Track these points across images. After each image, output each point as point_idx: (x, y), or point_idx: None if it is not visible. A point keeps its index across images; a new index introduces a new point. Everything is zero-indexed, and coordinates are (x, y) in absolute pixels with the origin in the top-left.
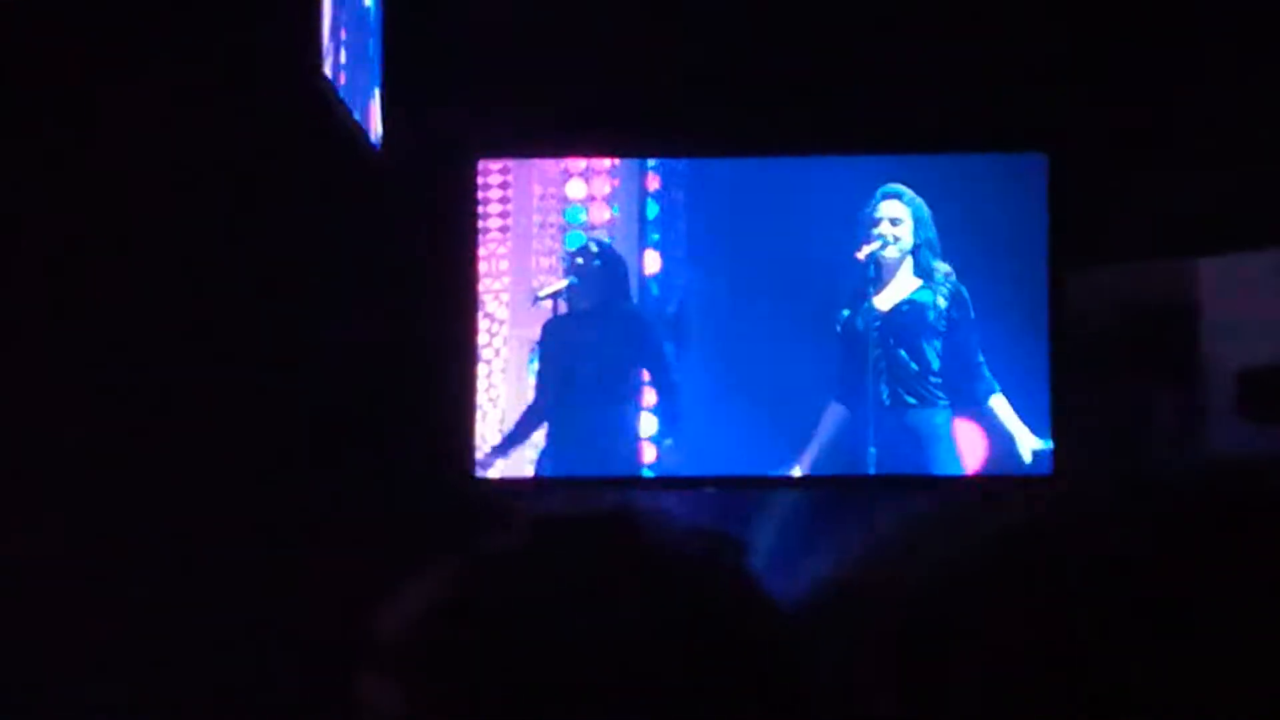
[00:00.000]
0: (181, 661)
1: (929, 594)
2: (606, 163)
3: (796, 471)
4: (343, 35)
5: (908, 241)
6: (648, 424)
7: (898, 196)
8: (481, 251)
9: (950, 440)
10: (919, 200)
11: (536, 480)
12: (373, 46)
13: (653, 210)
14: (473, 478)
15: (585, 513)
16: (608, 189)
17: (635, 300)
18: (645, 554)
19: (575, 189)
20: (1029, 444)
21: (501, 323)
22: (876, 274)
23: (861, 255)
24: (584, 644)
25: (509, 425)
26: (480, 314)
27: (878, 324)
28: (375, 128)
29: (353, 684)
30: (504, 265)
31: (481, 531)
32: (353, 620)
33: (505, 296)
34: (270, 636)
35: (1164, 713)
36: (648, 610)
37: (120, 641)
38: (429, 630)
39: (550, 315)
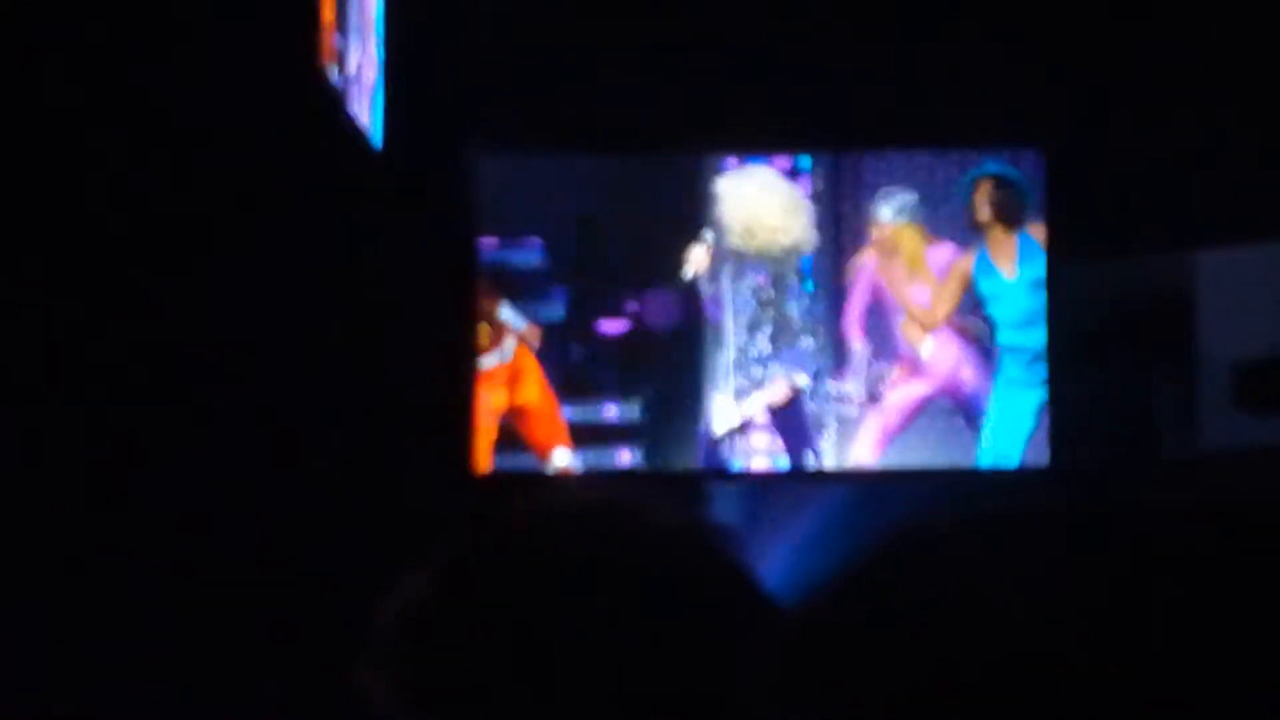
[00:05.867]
0: (182, 659)
1: (923, 590)
2: None
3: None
4: (345, 35)
5: None
6: None
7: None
8: None
9: None
10: None
11: (534, 475)
12: (375, 46)
13: None
14: (473, 474)
15: (575, 505)
16: None
17: None
18: (635, 544)
19: None
20: None
21: None
22: None
23: None
24: (574, 633)
25: None
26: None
27: None
28: (376, 128)
29: (351, 677)
30: None
31: (474, 526)
32: (352, 615)
33: None
34: (273, 633)
35: (1162, 710)
36: (637, 599)
37: (120, 640)
38: (420, 624)
39: None
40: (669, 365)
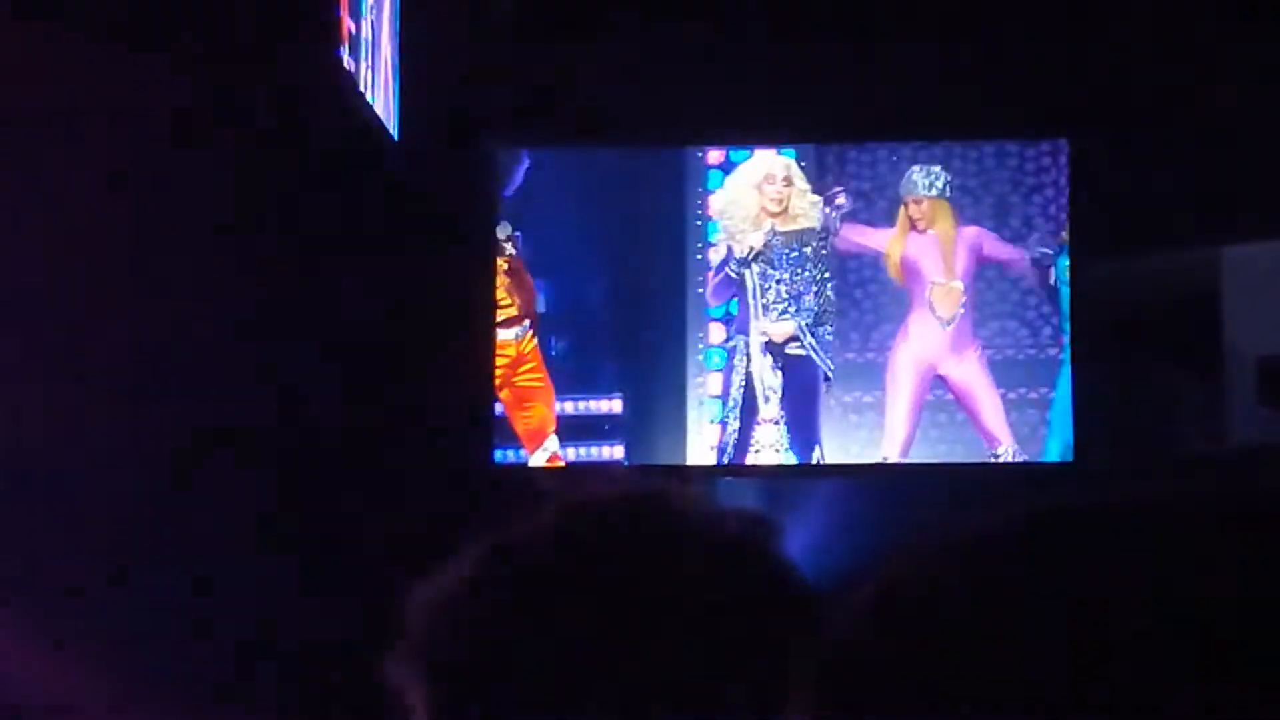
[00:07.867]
0: (209, 655)
1: (948, 583)
2: None
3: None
4: (363, 26)
5: None
6: None
7: None
8: None
9: None
10: None
11: (560, 467)
12: (392, 37)
13: None
14: (493, 465)
15: (615, 497)
16: None
17: None
18: (676, 537)
19: None
20: None
21: None
22: None
23: None
24: (610, 628)
25: None
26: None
27: None
28: (394, 118)
29: (380, 672)
30: None
31: (506, 518)
32: (379, 611)
33: None
34: (299, 628)
35: (1181, 704)
36: (677, 593)
37: (149, 634)
38: (453, 617)
39: None
40: (654, 360)
